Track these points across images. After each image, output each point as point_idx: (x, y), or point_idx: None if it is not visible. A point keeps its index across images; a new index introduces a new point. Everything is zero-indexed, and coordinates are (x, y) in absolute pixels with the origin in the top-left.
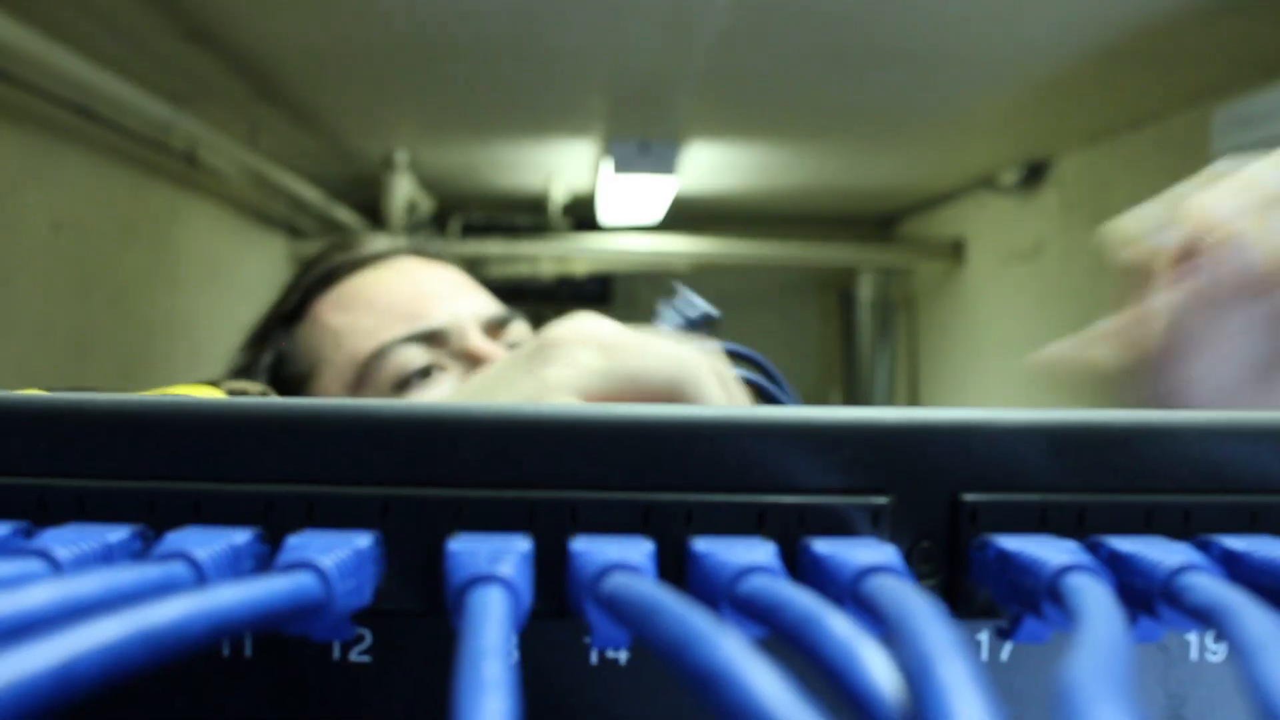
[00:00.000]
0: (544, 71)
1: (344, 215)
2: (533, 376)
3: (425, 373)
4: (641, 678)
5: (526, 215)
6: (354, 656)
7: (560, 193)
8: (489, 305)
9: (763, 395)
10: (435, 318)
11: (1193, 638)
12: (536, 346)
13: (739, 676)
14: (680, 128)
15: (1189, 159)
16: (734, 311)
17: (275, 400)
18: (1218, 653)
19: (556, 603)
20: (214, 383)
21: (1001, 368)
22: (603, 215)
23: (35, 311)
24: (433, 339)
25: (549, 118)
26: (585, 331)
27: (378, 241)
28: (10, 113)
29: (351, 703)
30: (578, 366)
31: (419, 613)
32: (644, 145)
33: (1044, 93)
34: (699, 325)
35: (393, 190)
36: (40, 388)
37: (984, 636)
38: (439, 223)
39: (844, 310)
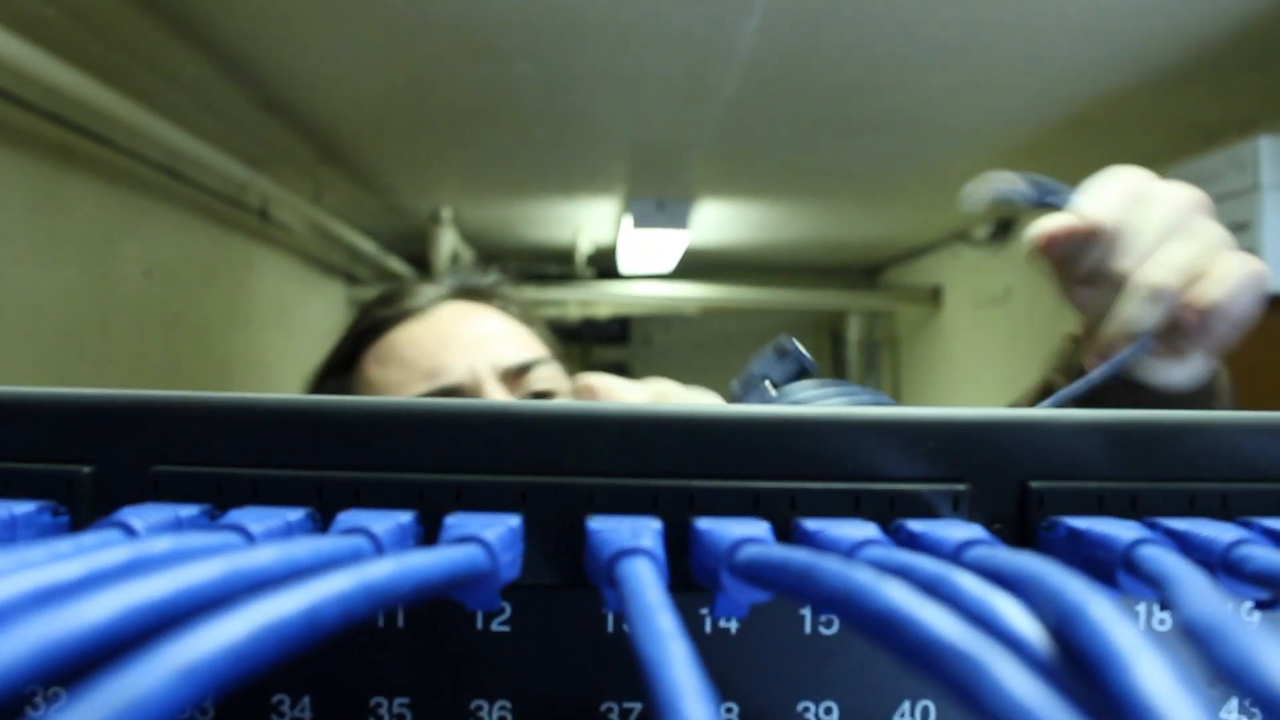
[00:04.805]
0: (572, 138)
1: (395, 264)
2: None
3: None
4: (749, 643)
5: (555, 265)
6: (495, 626)
7: (585, 245)
8: (509, 353)
9: None
10: (453, 373)
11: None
12: None
13: (913, 615)
14: (692, 188)
15: None
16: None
17: (428, 400)
18: (1253, 616)
19: (680, 578)
20: None
21: (975, 399)
22: (623, 265)
23: (129, 347)
24: (450, 394)
25: (576, 179)
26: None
27: (419, 294)
28: (109, 173)
29: (494, 666)
30: None
31: (558, 586)
32: (660, 203)
33: (1012, 157)
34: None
35: (438, 242)
36: None
37: None
38: (478, 271)
39: (835, 348)
